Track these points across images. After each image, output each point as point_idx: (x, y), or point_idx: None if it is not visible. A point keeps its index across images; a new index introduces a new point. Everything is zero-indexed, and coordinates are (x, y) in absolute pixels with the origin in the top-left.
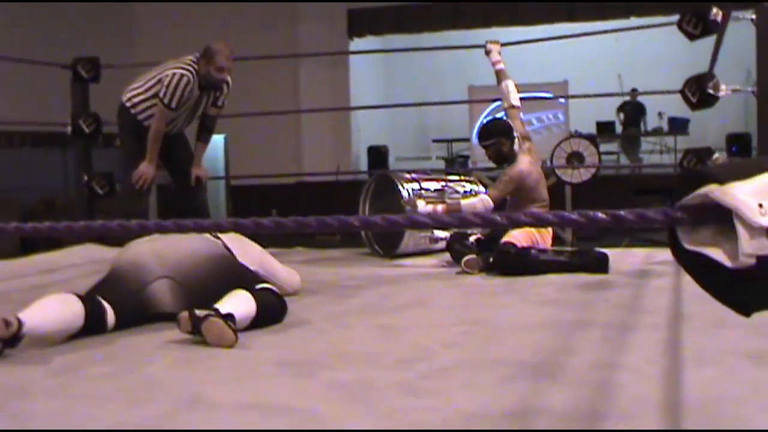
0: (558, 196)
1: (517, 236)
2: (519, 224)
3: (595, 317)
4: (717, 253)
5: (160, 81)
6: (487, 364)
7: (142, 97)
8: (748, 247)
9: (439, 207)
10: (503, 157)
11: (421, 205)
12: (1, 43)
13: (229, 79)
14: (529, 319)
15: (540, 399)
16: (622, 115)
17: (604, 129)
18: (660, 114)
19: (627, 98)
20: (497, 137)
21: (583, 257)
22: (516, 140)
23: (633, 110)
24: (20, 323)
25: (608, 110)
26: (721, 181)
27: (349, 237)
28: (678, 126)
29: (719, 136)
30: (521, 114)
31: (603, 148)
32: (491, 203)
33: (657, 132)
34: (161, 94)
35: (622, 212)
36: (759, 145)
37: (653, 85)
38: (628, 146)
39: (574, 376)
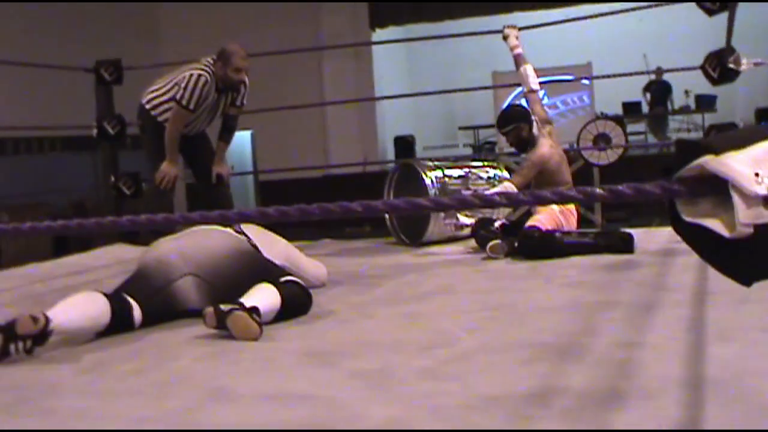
0: (586, 178)
1: (542, 219)
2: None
3: (619, 297)
4: (715, 224)
5: (177, 83)
6: (509, 348)
7: (161, 99)
8: (745, 216)
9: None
10: (524, 142)
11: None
12: (26, 49)
13: (246, 79)
14: (552, 302)
15: (560, 379)
16: (648, 95)
17: (631, 109)
18: (686, 92)
19: (653, 77)
20: (515, 123)
21: (609, 238)
22: (535, 124)
23: (659, 89)
24: (47, 320)
25: (634, 91)
26: (717, 152)
27: (379, 228)
28: (705, 103)
29: (748, 111)
30: (543, 98)
31: (630, 128)
32: (515, 190)
33: (684, 110)
34: (178, 96)
35: (620, 186)
36: None
37: (679, 64)
38: (655, 126)
39: (596, 356)
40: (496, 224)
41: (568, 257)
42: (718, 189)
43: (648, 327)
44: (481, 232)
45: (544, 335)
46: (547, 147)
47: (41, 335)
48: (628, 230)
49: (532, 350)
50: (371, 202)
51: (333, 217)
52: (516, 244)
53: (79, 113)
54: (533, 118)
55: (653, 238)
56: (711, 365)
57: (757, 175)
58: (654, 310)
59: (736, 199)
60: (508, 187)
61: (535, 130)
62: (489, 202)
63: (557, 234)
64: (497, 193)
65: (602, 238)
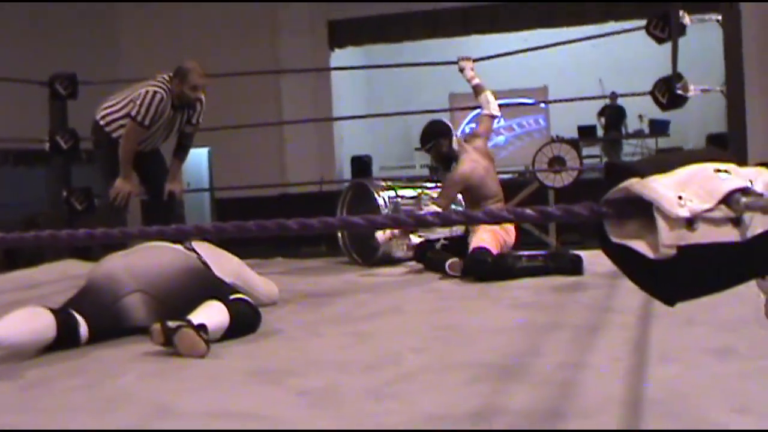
0: (542, 200)
1: (486, 238)
2: (465, 222)
3: (565, 319)
4: (640, 245)
5: (132, 100)
6: (454, 367)
7: (116, 115)
8: (668, 238)
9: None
10: (446, 158)
11: (379, 235)
12: None
13: (202, 97)
14: (500, 323)
15: (503, 399)
16: (603, 119)
17: (586, 133)
18: (641, 116)
19: (607, 102)
20: (434, 139)
21: (559, 260)
22: (455, 139)
23: (613, 114)
24: None
25: (589, 114)
26: (643, 175)
27: (335, 248)
28: (658, 128)
29: (700, 137)
30: (499, 120)
31: (585, 152)
32: (435, 209)
33: (638, 134)
34: (133, 112)
35: (549, 208)
36: (731, 142)
37: (634, 89)
38: (610, 149)
39: (539, 377)
40: (438, 245)
41: (518, 279)
42: (644, 211)
43: (592, 348)
44: (428, 254)
45: (490, 355)
46: (467, 163)
47: None
48: (577, 252)
49: (476, 370)
50: (328, 219)
51: (290, 234)
52: (463, 265)
53: (32, 127)
54: (454, 133)
55: (603, 261)
56: (653, 385)
57: (680, 198)
58: (599, 332)
59: (660, 221)
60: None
61: (455, 144)
62: (422, 222)
63: (509, 258)
64: (431, 213)
65: (552, 260)
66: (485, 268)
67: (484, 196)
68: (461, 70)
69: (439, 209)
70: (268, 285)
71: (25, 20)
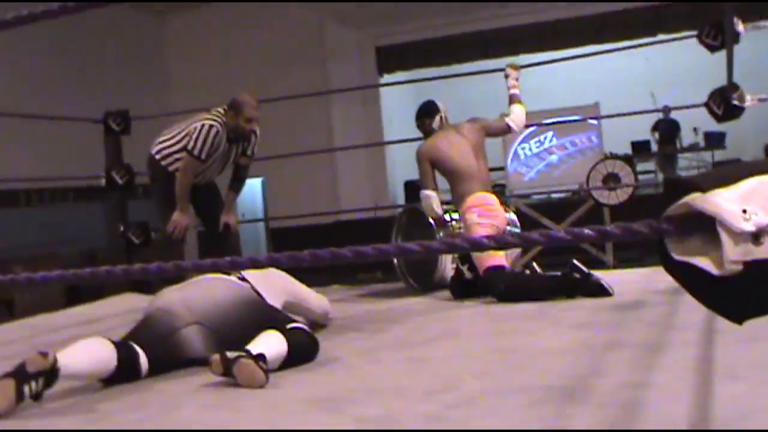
0: (597, 218)
1: (481, 255)
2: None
3: (626, 338)
4: (704, 262)
5: (188, 133)
6: (514, 391)
7: (171, 149)
8: (733, 253)
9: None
10: (428, 135)
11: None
12: (38, 101)
13: (256, 128)
14: (559, 344)
15: (565, 421)
16: (656, 134)
17: (640, 148)
18: (695, 129)
19: (660, 116)
20: (420, 119)
21: (579, 283)
22: (437, 119)
23: (667, 127)
24: (56, 357)
25: (642, 130)
26: (704, 189)
27: (391, 273)
28: (714, 140)
29: (758, 148)
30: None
31: (640, 167)
32: (429, 192)
33: (693, 148)
34: (189, 146)
35: (607, 227)
36: None
37: (687, 101)
38: (665, 164)
39: (601, 398)
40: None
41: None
42: (706, 227)
43: (656, 367)
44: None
45: (550, 377)
46: (429, 140)
47: (51, 372)
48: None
49: (537, 393)
50: (382, 246)
51: (344, 262)
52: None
53: (89, 163)
54: (441, 114)
55: (663, 278)
56: (718, 404)
57: (744, 211)
58: (662, 350)
59: (724, 236)
60: (423, 195)
61: (435, 124)
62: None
63: (523, 278)
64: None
65: (572, 282)
66: (499, 294)
67: (455, 169)
68: (506, 76)
69: (425, 191)
70: (319, 299)
71: (76, 59)
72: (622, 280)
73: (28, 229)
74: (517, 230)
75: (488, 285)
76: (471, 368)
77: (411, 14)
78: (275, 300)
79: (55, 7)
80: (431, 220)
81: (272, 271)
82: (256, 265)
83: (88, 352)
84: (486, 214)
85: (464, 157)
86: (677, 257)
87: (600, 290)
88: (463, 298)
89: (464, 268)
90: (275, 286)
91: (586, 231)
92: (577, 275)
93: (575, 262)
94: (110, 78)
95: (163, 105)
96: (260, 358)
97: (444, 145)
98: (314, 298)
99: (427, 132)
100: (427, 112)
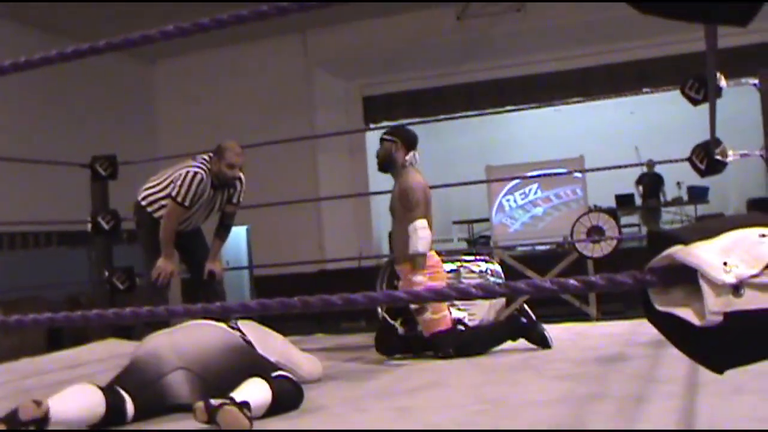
0: (581, 271)
1: (432, 317)
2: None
3: (610, 390)
4: (686, 313)
5: (173, 180)
6: None
7: (157, 195)
8: (714, 305)
9: (418, 277)
10: (389, 162)
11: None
12: (24, 145)
13: (241, 176)
14: (544, 395)
15: None
16: (640, 187)
17: (624, 202)
18: (678, 184)
19: (644, 170)
20: (399, 139)
21: (519, 330)
22: (410, 156)
23: (651, 181)
24: (48, 406)
25: (626, 183)
26: (686, 242)
27: (374, 323)
28: (697, 194)
29: (741, 202)
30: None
31: (624, 220)
32: (423, 221)
33: (677, 202)
34: (173, 193)
35: (592, 278)
36: None
37: (671, 156)
38: (648, 217)
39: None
40: (400, 329)
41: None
42: (688, 278)
43: (639, 419)
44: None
45: (537, 428)
46: (420, 175)
47: (43, 420)
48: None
49: None
50: (372, 294)
51: (333, 309)
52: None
53: (74, 208)
54: (413, 154)
55: (645, 330)
56: None
57: (725, 264)
58: (645, 402)
59: (705, 288)
60: (418, 225)
61: (410, 159)
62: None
63: (472, 339)
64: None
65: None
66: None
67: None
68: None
69: (422, 223)
70: (312, 364)
71: (64, 104)
72: (606, 333)
73: (10, 272)
74: (501, 282)
75: (437, 347)
76: (456, 419)
77: (399, 65)
78: (266, 353)
79: (54, 54)
80: (419, 277)
81: (267, 330)
82: (247, 310)
83: (77, 400)
84: (435, 277)
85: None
86: (660, 308)
87: (542, 341)
88: (393, 354)
89: (396, 323)
90: (268, 342)
91: (571, 281)
92: (524, 321)
93: (525, 307)
94: (98, 122)
95: (151, 150)
96: (244, 405)
97: (427, 188)
98: (305, 363)
99: (390, 157)
100: (408, 140)
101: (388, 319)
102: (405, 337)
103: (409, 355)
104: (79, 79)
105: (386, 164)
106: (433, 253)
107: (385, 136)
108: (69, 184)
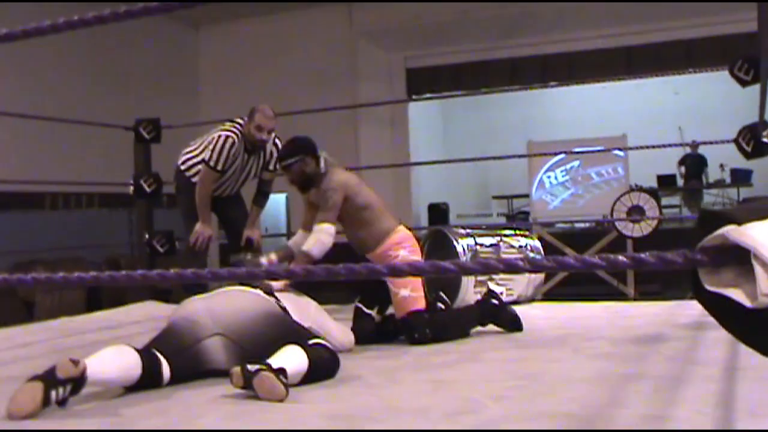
0: (619, 251)
1: (413, 293)
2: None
3: (647, 370)
4: (737, 294)
5: (207, 145)
6: (534, 417)
7: (194, 160)
8: (767, 286)
9: (272, 256)
10: (308, 179)
11: (263, 260)
12: (69, 106)
13: (278, 141)
14: (580, 373)
15: None
16: (683, 168)
17: (665, 182)
18: (722, 166)
19: (688, 151)
20: (301, 155)
21: (492, 313)
22: (322, 159)
23: (694, 163)
24: (85, 365)
25: (669, 164)
26: (739, 222)
27: None
28: (740, 177)
29: None
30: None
31: (665, 201)
32: (331, 227)
33: (719, 184)
34: (206, 157)
35: (642, 255)
36: None
37: (715, 137)
38: (690, 199)
39: (621, 429)
40: (376, 317)
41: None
42: (741, 259)
43: (676, 401)
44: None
45: (571, 406)
46: (341, 171)
47: (80, 379)
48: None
49: (558, 421)
50: (418, 263)
51: (358, 278)
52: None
53: (117, 170)
54: (321, 153)
55: (686, 311)
56: None
57: None
58: (683, 385)
59: (758, 269)
60: (323, 229)
61: (322, 165)
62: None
63: (445, 322)
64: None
65: (488, 315)
66: (423, 339)
67: (365, 204)
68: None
69: (328, 225)
70: (344, 334)
71: (110, 67)
72: (644, 313)
73: (51, 232)
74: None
75: (410, 328)
76: (491, 393)
77: (443, 38)
78: (301, 320)
79: (90, 17)
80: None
81: (304, 298)
82: (292, 275)
83: (114, 361)
84: (415, 251)
85: (372, 192)
86: (710, 288)
87: (513, 324)
88: (369, 343)
89: (373, 312)
90: (303, 310)
91: (621, 258)
92: (495, 302)
93: (492, 288)
94: (142, 86)
95: (193, 116)
96: (281, 372)
97: (352, 179)
98: (339, 333)
99: (305, 175)
100: (308, 149)
101: (364, 308)
102: (382, 326)
103: (387, 342)
104: (125, 44)
105: (307, 182)
106: (401, 227)
107: (286, 162)
108: (113, 147)
